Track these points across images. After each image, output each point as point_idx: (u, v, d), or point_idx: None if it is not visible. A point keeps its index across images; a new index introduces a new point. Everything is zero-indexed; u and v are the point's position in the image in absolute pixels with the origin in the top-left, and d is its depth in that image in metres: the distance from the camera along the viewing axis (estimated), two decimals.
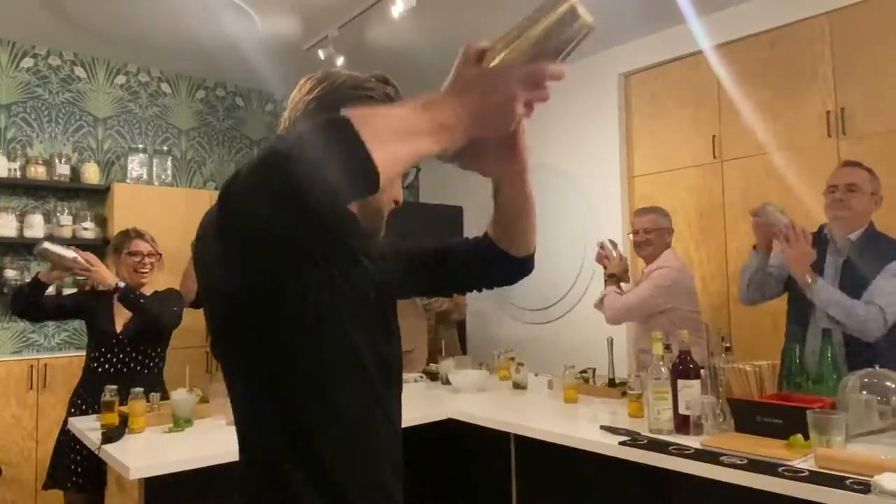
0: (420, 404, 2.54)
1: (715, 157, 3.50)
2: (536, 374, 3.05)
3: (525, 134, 0.88)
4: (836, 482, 1.42)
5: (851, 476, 1.43)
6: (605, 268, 2.87)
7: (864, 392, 1.70)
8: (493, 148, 0.86)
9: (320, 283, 0.82)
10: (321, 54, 3.51)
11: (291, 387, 0.83)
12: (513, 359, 2.95)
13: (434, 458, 2.35)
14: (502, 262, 1.04)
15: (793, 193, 3.05)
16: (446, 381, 2.89)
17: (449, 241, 1.12)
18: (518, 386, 2.82)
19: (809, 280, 2.02)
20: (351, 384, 0.86)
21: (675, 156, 3.70)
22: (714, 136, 3.50)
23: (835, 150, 3.04)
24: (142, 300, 2.51)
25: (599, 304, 2.79)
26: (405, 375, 3.03)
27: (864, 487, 1.37)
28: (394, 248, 1.07)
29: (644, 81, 3.88)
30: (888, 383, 1.68)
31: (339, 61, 3.44)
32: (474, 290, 1.17)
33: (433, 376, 3.07)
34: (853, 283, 2.08)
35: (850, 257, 2.12)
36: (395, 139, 0.67)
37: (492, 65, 0.73)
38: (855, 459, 1.49)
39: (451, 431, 2.35)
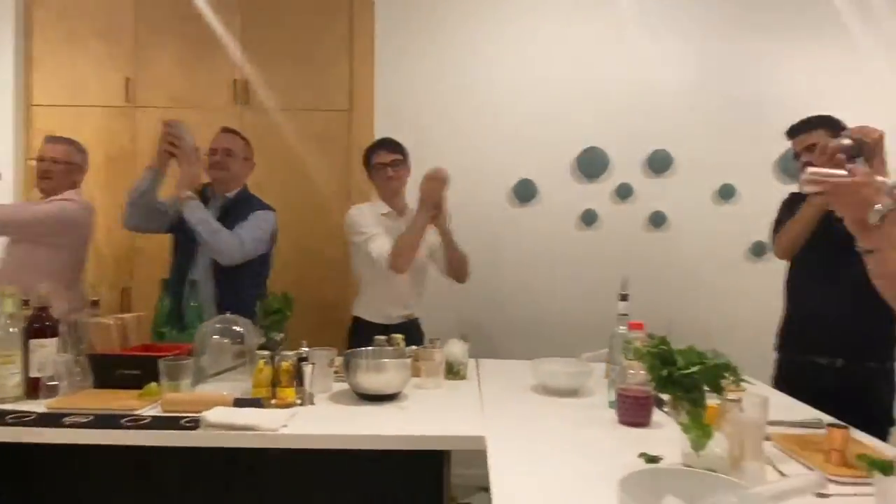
0: None
1: (128, 100, 3.32)
2: None
3: None
4: (174, 423, 1.52)
5: (189, 415, 1.57)
6: None
7: (219, 336, 1.91)
8: None
9: None
10: None
11: None
12: None
13: None
14: None
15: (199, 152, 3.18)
16: None
17: None
18: None
19: (188, 195, 2.22)
20: None
21: (84, 91, 3.34)
22: (128, 79, 3.31)
23: (240, 116, 3.30)
24: None
25: None
26: None
27: (196, 423, 1.52)
28: None
29: None
30: (236, 328, 1.92)
31: None
32: None
33: None
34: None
35: (226, 210, 2.37)
36: None
37: None
38: (194, 399, 1.64)
39: None
